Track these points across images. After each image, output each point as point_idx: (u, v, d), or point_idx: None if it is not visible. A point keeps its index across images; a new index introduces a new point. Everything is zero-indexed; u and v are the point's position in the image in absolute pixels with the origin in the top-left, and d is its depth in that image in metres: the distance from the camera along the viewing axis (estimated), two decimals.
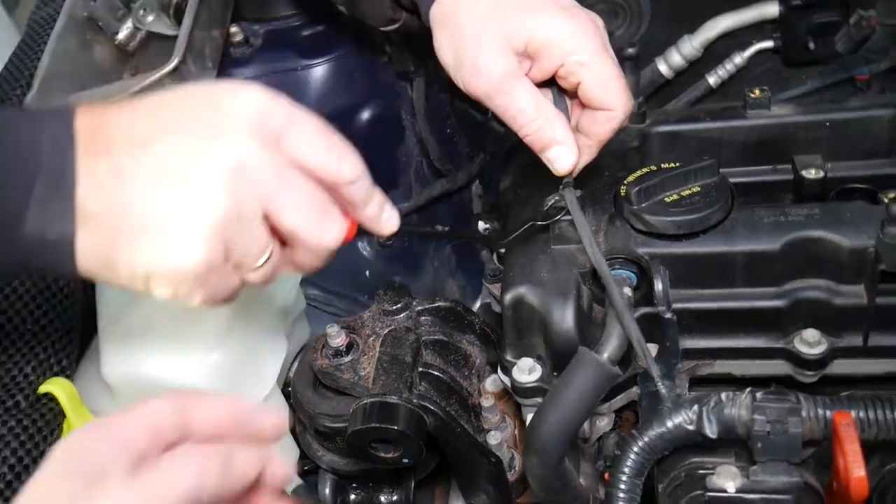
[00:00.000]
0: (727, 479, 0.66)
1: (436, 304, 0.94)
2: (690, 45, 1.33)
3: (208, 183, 0.58)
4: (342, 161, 0.64)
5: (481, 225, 1.18)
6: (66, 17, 1.10)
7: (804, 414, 0.66)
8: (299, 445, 0.96)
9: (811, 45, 1.25)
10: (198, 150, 0.59)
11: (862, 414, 0.65)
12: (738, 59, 1.33)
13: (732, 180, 0.94)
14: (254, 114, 0.61)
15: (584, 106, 0.80)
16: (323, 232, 0.64)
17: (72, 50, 1.09)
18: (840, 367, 0.79)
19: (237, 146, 0.59)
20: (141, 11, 1.11)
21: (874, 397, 0.67)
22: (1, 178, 0.58)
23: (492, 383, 0.96)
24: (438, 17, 0.82)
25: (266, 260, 0.63)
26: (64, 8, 1.11)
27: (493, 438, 0.90)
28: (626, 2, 1.33)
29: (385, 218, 0.70)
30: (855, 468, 0.58)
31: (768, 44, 1.31)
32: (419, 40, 0.86)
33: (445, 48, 0.81)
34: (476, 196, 1.27)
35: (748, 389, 0.68)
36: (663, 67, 1.35)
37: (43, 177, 0.58)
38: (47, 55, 1.06)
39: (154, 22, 1.12)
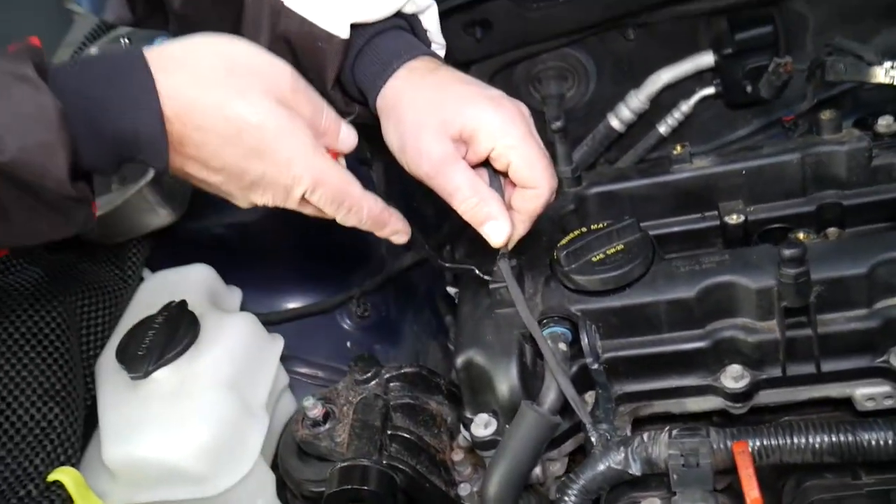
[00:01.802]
0: None
1: (402, 371, 1.02)
2: (637, 100, 1.42)
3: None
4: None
5: (451, 290, 1.26)
6: None
7: (714, 446, 0.73)
8: None
9: (748, 89, 1.34)
10: None
11: (764, 441, 0.73)
12: (685, 107, 1.43)
13: (666, 231, 1.03)
14: None
15: (514, 185, 0.89)
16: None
17: None
18: (767, 397, 0.86)
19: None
20: None
21: (777, 426, 0.74)
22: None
23: (463, 439, 1.03)
24: (383, 108, 0.92)
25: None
26: None
27: (464, 490, 0.97)
28: (572, 66, 1.43)
29: (343, 136, 0.83)
30: (749, 490, 0.65)
31: (710, 90, 1.41)
32: (372, 130, 0.96)
33: (391, 134, 0.91)
34: None
35: (667, 428, 0.76)
36: (615, 122, 1.45)
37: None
38: None
39: None
